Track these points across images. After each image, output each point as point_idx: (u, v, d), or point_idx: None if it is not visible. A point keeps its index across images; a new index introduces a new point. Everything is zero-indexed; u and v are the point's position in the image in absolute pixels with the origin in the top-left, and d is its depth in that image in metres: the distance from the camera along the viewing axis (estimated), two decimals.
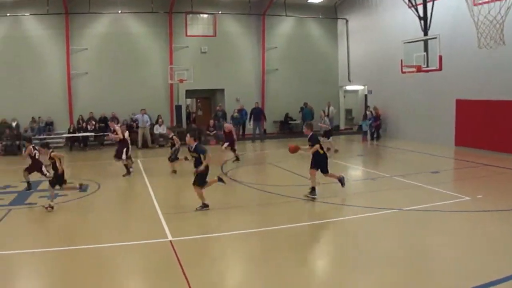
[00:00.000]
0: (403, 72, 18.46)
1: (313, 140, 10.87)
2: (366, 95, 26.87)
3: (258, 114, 25.63)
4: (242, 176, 14.60)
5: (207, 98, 27.94)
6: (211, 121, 24.72)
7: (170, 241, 7.99)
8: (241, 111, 25.98)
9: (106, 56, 25.19)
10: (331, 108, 26.73)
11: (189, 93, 26.43)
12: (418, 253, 7.37)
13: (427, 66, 17.21)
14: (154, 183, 13.64)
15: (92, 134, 24.21)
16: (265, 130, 26.36)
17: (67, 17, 24.71)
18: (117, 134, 15.87)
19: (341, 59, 28.08)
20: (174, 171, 15.70)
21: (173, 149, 15.80)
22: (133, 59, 25.30)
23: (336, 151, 19.37)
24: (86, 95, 25.03)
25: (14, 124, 24.09)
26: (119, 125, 17.95)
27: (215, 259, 7.34)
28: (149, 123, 24.00)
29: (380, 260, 7.00)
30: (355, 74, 27.27)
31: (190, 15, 26.13)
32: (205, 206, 10.12)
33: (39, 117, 24.49)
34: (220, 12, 26.31)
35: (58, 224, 10.01)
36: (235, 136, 18.58)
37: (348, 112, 29.59)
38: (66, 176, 11.40)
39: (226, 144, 18.17)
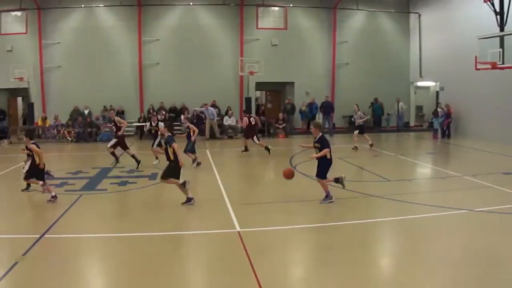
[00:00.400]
0: (477, 69, 17.91)
1: (323, 143, 9.75)
2: (437, 92, 26.25)
3: (328, 108, 25.37)
4: (311, 170, 14.35)
5: (277, 91, 27.87)
6: (280, 114, 24.61)
7: (238, 232, 7.98)
8: (311, 104, 25.77)
9: (177, 47, 25.50)
10: (401, 104, 26.26)
11: (259, 86, 26.39)
12: (487, 257, 6.95)
13: (503, 63, 16.61)
14: (222, 174, 13.58)
15: (162, 123, 24.27)
16: (334, 125, 26.02)
17: (139, 8, 25.18)
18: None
19: (413, 54, 27.57)
20: (199, 163, 15.22)
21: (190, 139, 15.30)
22: (203, 51, 25.51)
23: (371, 145, 18.89)
24: (157, 85, 25.34)
25: (86, 112, 24.61)
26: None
27: (281, 251, 7.29)
28: (215, 116, 23.93)
29: (447, 262, 6.70)
30: (427, 70, 26.69)
31: (261, 7, 26.20)
32: (188, 200, 9.88)
33: (111, 106, 24.85)
34: (291, 5, 26.30)
35: (127, 210, 10.30)
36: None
37: (419, 108, 28.95)
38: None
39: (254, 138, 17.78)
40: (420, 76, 27.16)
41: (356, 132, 19.09)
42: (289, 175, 10.32)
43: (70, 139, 23.47)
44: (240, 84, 25.72)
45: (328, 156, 9.72)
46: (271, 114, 26.41)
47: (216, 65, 25.62)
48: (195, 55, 25.33)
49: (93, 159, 17.45)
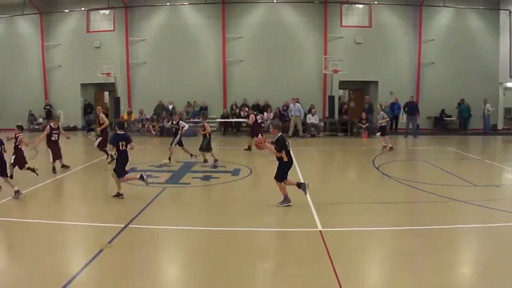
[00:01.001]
0: None
1: (279, 145, 9.36)
2: None
3: (412, 108, 25.08)
4: (394, 171, 14.13)
5: (360, 90, 27.83)
6: (363, 114, 24.56)
7: (320, 231, 7.92)
8: (393, 104, 25.60)
9: (260, 44, 25.96)
10: (487, 105, 25.61)
11: (342, 84, 26.46)
12: None
13: None
14: (305, 172, 13.45)
15: (245, 120, 24.77)
16: (418, 126, 25.71)
17: (223, 6, 25.85)
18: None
19: (503, 54, 26.83)
20: (206, 160, 15.21)
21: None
22: (287, 48, 25.86)
23: (391, 148, 18.42)
24: (240, 82, 25.89)
25: (170, 107, 25.38)
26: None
27: (363, 252, 7.16)
28: (302, 112, 24.18)
29: None
30: None
31: (346, 5, 26.31)
32: (119, 195, 10.08)
33: (194, 101, 25.63)
34: (375, 2, 26.26)
35: (209, 204, 10.43)
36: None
37: (507, 111, 28.18)
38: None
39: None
40: (510, 76, 26.46)
41: (378, 134, 18.98)
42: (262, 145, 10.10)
43: (154, 133, 24.29)
44: (323, 82, 25.89)
45: (286, 159, 9.41)
46: (354, 114, 26.41)
47: (300, 63, 25.89)
48: (279, 52, 25.71)
49: (176, 153, 17.72)
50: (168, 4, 26.27)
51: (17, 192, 10.07)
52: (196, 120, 24.22)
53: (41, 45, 27.60)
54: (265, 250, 7.37)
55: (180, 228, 8.34)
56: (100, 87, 28.07)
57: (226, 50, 25.88)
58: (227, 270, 6.41)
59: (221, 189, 11.70)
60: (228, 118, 25.00)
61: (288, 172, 9.62)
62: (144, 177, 10.09)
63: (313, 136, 24.25)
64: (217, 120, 25.26)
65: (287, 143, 9.50)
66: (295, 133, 23.80)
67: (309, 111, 24.80)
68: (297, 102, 24.03)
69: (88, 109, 26.58)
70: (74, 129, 26.94)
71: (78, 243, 7.86)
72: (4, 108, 27.61)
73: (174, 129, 15.57)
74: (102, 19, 27.36)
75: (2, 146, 10.23)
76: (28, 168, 11.96)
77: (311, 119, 24.68)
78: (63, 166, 13.85)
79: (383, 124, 18.58)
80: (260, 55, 25.81)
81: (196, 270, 6.55)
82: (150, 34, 26.47)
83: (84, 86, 27.52)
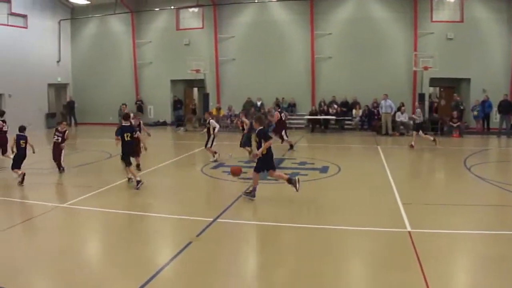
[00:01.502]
0: None
1: (263, 136, 9.63)
2: None
3: (506, 107, 24.69)
4: (487, 173, 13.54)
5: (451, 87, 27.65)
6: (454, 113, 24.35)
7: (409, 232, 7.81)
8: (484, 102, 25.26)
9: (349, 40, 26.24)
10: None
11: (433, 81, 26.37)
12: None
13: None
14: (394, 171, 13.47)
15: (334, 117, 25.29)
16: None
17: (312, 2, 26.30)
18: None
19: None
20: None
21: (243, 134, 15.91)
22: (376, 44, 25.96)
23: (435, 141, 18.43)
24: (329, 79, 26.33)
25: (259, 103, 26.16)
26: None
27: (453, 256, 6.95)
28: (393, 108, 24.36)
29: None
30: None
31: None
32: (129, 179, 11.12)
33: (283, 98, 26.28)
34: None
35: (296, 201, 10.30)
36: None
37: None
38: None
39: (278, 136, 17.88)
40: None
41: (420, 132, 18.94)
42: (236, 172, 10.96)
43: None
44: (413, 80, 25.91)
45: (265, 152, 9.61)
46: (444, 112, 26.29)
47: (389, 59, 25.94)
48: (368, 48, 25.87)
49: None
50: (256, 1, 27.04)
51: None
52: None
53: (133, 42, 29.15)
54: (352, 249, 7.37)
55: (267, 224, 8.56)
56: (189, 84, 29.34)
57: (314, 47, 26.34)
58: (312, 269, 6.43)
59: (309, 186, 11.67)
60: (316, 115, 25.48)
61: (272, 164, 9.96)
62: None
63: (402, 134, 24.31)
64: (305, 117, 25.78)
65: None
66: (385, 131, 23.99)
67: (399, 109, 24.88)
68: (387, 98, 24.23)
69: (177, 104, 27.80)
70: (163, 124, 28.34)
71: (167, 235, 8.29)
72: (97, 103, 29.49)
73: (207, 129, 15.48)
74: (191, 17, 28.52)
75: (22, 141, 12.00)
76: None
77: (400, 117, 24.75)
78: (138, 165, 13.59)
79: (419, 121, 18.96)
80: (349, 51, 26.09)
81: (281, 267, 6.62)
82: (239, 31, 27.34)
83: (173, 82, 28.90)
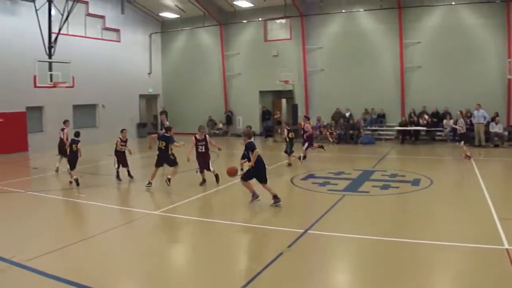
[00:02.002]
0: None
1: (250, 147, 10.99)
2: None
3: None
4: None
5: None
6: None
7: (507, 249, 7.55)
8: None
9: (439, 49, 26.20)
10: None
11: None
12: None
13: None
14: (489, 184, 13.13)
15: (424, 128, 25.51)
16: None
17: (400, 11, 26.53)
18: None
19: None
20: (290, 164, 17.22)
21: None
22: (466, 52, 25.61)
23: (468, 157, 18.16)
24: (419, 88, 26.49)
25: (347, 114, 26.82)
26: None
27: None
28: (486, 118, 24.21)
29: None
30: None
31: None
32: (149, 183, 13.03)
33: (372, 109, 26.82)
34: None
35: (387, 214, 10.56)
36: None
37: None
38: None
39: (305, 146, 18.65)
40: None
41: (462, 142, 19.04)
42: (231, 173, 11.67)
43: (331, 140, 25.76)
44: (507, 88, 25.64)
45: (253, 164, 10.87)
46: None
47: (480, 67, 25.55)
48: (458, 57, 25.65)
49: (354, 161, 18.50)
50: (343, 11, 27.67)
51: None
52: (374, 127, 25.53)
53: (221, 54, 30.72)
54: (442, 266, 7.11)
55: (357, 237, 8.57)
56: (278, 95, 30.51)
57: (403, 56, 26.59)
58: (403, 285, 6.47)
59: (401, 199, 11.84)
60: (406, 126, 25.81)
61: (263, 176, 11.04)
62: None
63: (496, 146, 24.12)
64: (395, 128, 26.14)
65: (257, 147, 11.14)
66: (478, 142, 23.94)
67: (493, 119, 24.74)
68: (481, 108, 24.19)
69: (266, 115, 29.02)
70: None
71: (258, 245, 8.67)
72: (187, 113, 31.36)
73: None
74: (279, 28, 29.67)
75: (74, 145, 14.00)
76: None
77: (495, 128, 24.60)
78: (203, 181, 14.06)
79: (461, 132, 19.23)
80: (439, 60, 26.07)
81: (372, 281, 6.65)
82: (326, 42, 28.12)
83: (262, 93, 30.17)
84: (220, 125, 30.55)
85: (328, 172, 15.53)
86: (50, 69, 20.87)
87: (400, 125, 25.96)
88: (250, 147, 11.05)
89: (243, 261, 7.80)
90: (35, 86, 20.10)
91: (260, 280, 6.58)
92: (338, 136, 26.14)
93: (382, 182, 13.78)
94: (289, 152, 17.57)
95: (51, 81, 20.41)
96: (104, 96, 28.78)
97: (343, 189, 12.85)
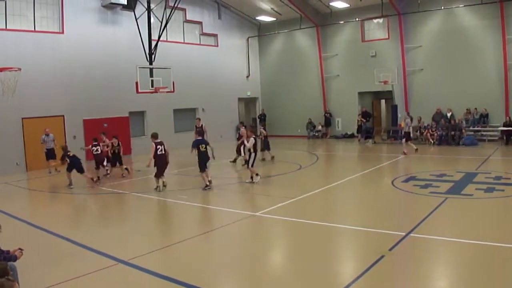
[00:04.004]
0: None
1: (194, 144, 15.72)
2: None
3: None
4: None
5: None
6: None
7: None
8: None
9: None
10: None
11: None
12: None
13: None
14: None
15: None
16: None
17: (501, 5, 27.41)
18: None
19: None
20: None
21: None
22: None
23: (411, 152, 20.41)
24: None
25: (449, 114, 28.65)
26: None
27: None
28: None
29: None
30: None
31: None
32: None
33: (475, 109, 28.41)
34: None
35: (492, 218, 10.80)
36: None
37: None
38: None
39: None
40: None
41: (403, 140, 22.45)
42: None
43: (432, 141, 27.57)
44: None
45: (203, 149, 15.60)
46: None
47: None
48: None
49: (456, 163, 19.26)
50: (442, 8, 29.18)
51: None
52: (477, 128, 27.18)
53: (319, 55, 33.75)
54: None
55: (461, 241, 8.76)
56: (377, 95, 33.06)
57: (507, 52, 27.52)
58: None
59: (506, 203, 11.97)
60: (511, 126, 26.97)
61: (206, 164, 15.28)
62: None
63: None
64: (499, 128, 27.28)
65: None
66: None
67: None
68: None
69: (366, 117, 31.67)
70: (351, 136, 32.53)
71: (359, 247, 9.01)
72: (285, 115, 34.90)
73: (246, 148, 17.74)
74: (376, 28, 32.07)
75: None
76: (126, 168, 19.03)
77: None
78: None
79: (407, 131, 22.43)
80: None
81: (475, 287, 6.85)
82: (426, 40, 29.86)
83: (361, 94, 32.83)
84: (319, 127, 33.63)
85: (430, 174, 16.28)
86: (151, 75, 23.56)
87: (504, 126, 26.90)
88: (193, 143, 15.75)
89: (344, 263, 8.34)
90: (138, 92, 22.69)
91: (360, 283, 6.96)
92: (439, 137, 27.72)
93: (486, 184, 14.01)
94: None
95: (152, 86, 23.19)
96: (203, 100, 32.57)
97: (445, 191, 13.28)
